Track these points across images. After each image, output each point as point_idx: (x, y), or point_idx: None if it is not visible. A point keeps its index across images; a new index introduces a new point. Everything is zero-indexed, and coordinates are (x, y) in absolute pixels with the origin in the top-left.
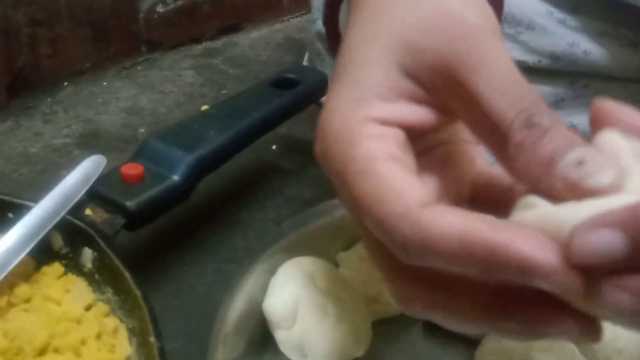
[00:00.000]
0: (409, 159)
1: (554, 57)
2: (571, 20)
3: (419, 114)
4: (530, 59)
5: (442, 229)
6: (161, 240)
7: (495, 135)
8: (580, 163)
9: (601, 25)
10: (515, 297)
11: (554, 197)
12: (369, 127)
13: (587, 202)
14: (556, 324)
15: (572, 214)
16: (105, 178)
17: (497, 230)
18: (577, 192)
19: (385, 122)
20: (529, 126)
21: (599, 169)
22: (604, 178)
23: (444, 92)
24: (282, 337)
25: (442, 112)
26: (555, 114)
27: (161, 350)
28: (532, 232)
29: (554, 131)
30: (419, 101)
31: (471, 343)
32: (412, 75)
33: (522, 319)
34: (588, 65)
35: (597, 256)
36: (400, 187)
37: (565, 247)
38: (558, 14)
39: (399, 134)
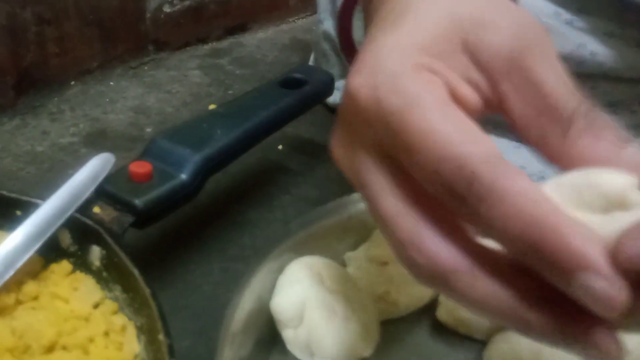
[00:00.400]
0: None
1: (562, 58)
2: (578, 21)
3: (466, 89)
4: None
5: (519, 188)
6: (168, 239)
7: (550, 121)
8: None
9: (608, 26)
10: (548, 296)
11: None
12: (427, 74)
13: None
14: (583, 336)
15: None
16: (114, 176)
17: (562, 217)
18: None
19: (437, 75)
20: (592, 117)
21: None
22: None
23: (502, 74)
24: (290, 336)
25: (483, 99)
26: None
27: (170, 348)
28: (588, 231)
29: (614, 127)
30: (468, 80)
31: (480, 343)
32: (471, 50)
33: (548, 319)
34: (595, 67)
35: None
36: (480, 134)
37: (613, 252)
38: (565, 14)
39: (444, 85)
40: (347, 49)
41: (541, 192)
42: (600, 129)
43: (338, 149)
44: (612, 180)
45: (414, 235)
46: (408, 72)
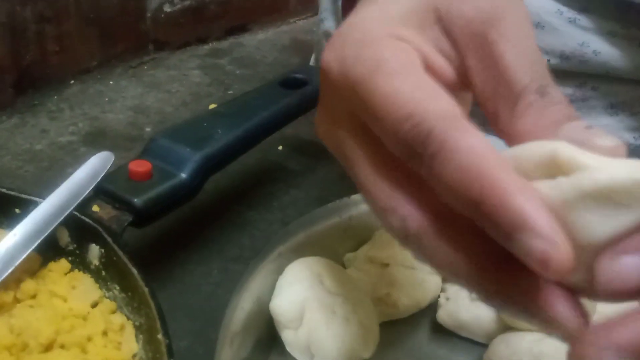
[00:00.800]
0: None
1: (564, 56)
2: (581, 20)
3: (439, 59)
4: None
5: (467, 143)
6: (167, 239)
7: (503, 95)
8: (587, 127)
9: (611, 25)
10: (503, 260)
11: None
12: (396, 41)
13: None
14: (535, 302)
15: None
16: (113, 175)
17: (505, 173)
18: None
19: (409, 44)
20: (542, 93)
21: (604, 134)
22: (609, 141)
23: (467, 45)
24: (289, 337)
25: (456, 72)
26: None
27: (169, 348)
28: (531, 190)
29: (565, 105)
30: (440, 51)
31: (480, 346)
32: (443, 21)
33: (503, 285)
34: (598, 66)
35: (627, 282)
36: (439, 92)
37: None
38: (568, 13)
39: (421, 58)
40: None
41: (489, 147)
42: (547, 106)
43: (321, 125)
44: (540, 147)
45: (388, 203)
46: (375, 40)
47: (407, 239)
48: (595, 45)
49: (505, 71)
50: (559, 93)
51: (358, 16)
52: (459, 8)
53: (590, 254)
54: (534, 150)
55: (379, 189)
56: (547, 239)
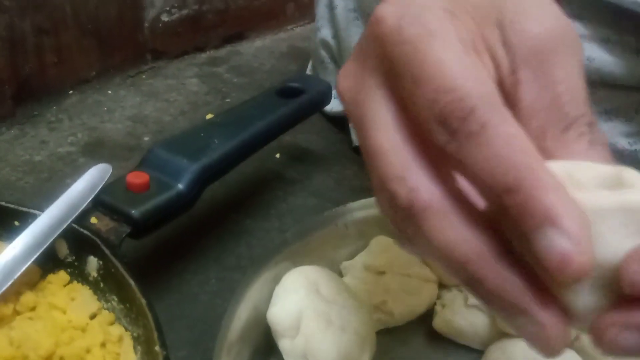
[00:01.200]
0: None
1: None
2: (577, 26)
3: (487, 60)
4: None
5: (511, 129)
6: (164, 249)
7: (553, 117)
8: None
9: (605, 32)
10: (508, 259)
11: None
12: (460, 21)
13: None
14: (531, 308)
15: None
16: (111, 187)
17: (545, 171)
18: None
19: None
20: (592, 130)
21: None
22: None
23: (524, 61)
24: (286, 346)
25: (499, 77)
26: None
27: (166, 359)
28: (567, 192)
29: (606, 146)
30: (490, 50)
31: (476, 353)
32: (504, 29)
33: (502, 282)
34: (592, 72)
35: None
36: (487, 77)
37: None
38: None
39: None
40: None
41: (533, 146)
42: (596, 141)
43: (345, 79)
44: (604, 165)
45: (401, 169)
46: (437, 11)
47: (409, 212)
48: (589, 51)
49: (561, 96)
50: (603, 134)
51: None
52: (523, 22)
53: (602, 271)
54: (596, 165)
55: (395, 153)
56: (574, 239)
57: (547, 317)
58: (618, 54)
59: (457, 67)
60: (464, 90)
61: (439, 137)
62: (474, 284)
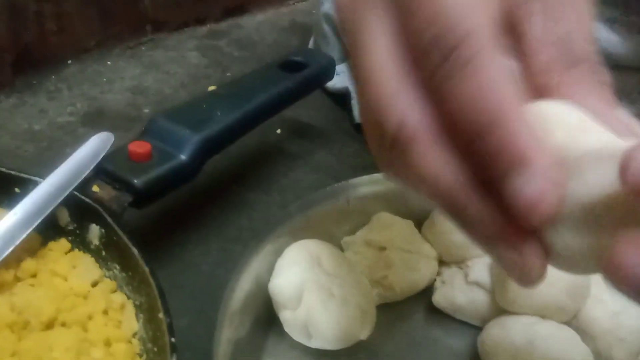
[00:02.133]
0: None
1: None
2: None
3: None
4: None
5: (497, 66)
6: (166, 220)
7: (558, 51)
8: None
9: (612, 12)
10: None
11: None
12: None
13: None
14: (510, 238)
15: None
16: (113, 155)
17: (522, 114)
18: None
19: None
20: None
21: None
22: None
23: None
24: (288, 317)
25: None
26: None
27: (170, 326)
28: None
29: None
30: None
31: (474, 329)
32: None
33: (483, 212)
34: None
35: None
36: (489, 10)
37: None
38: None
39: None
40: None
41: (515, 84)
42: (602, 83)
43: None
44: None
45: (391, 91)
46: None
47: (396, 137)
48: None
49: (571, 33)
50: (609, 76)
51: None
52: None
53: (584, 210)
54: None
55: (388, 76)
56: (542, 182)
57: (526, 247)
58: (624, 34)
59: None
60: (459, 18)
61: (429, 64)
62: (456, 213)
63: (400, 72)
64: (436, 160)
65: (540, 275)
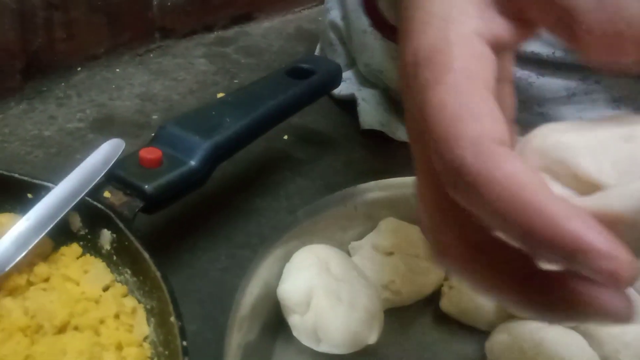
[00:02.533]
0: (496, 90)
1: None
2: None
3: (505, 27)
4: (544, 50)
5: (504, 172)
6: (175, 226)
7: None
8: None
9: None
10: (555, 275)
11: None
12: (472, 45)
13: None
14: (596, 303)
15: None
16: (124, 162)
17: (549, 199)
18: None
19: (483, 36)
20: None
21: None
22: None
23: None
24: (296, 322)
25: (518, 26)
26: None
27: (182, 330)
28: (578, 209)
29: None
30: (501, 11)
31: (482, 333)
32: None
33: (560, 297)
34: None
35: None
36: (485, 113)
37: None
38: None
39: (494, 60)
40: (378, 24)
41: (528, 172)
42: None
43: (407, 121)
44: (587, 166)
45: (432, 222)
46: (451, 44)
47: (443, 263)
48: None
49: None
50: None
51: (428, 11)
52: None
53: None
54: (573, 163)
55: (427, 203)
56: (611, 258)
57: (602, 300)
58: None
59: (451, 111)
60: (453, 139)
61: (447, 188)
62: (529, 309)
63: (435, 197)
64: (485, 278)
65: (629, 308)
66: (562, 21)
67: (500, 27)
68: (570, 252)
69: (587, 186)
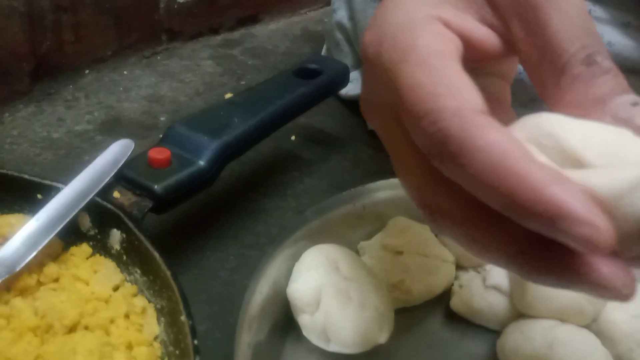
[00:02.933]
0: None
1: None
2: (597, 11)
3: (482, 32)
4: None
5: (486, 140)
6: (184, 226)
7: (549, 65)
8: (634, 104)
9: (625, 17)
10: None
11: None
12: (434, 25)
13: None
14: (594, 275)
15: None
16: (133, 162)
17: (532, 165)
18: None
19: (449, 26)
20: (589, 63)
21: None
22: None
23: (511, 13)
24: (306, 322)
25: (501, 40)
26: (614, 63)
27: (192, 329)
28: (560, 175)
29: (613, 74)
30: (483, 20)
31: (493, 333)
32: None
33: (557, 264)
34: (612, 56)
35: None
36: (461, 86)
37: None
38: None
39: (459, 44)
40: None
41: (511, 140)
42: (594, 77)
43: (364, 103)
44: (575, 142)
45: (418, 195)
46: (414, 23)
47: (440, 229)
48: (609, 36)
49: (551, 39)
50: (607, 60)
51: None
52: None
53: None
54: (558, 136)
55: (410, 179)
56: (589, 224)
57: (606, 270)
58: (637, 39)
59: (428, 87)
60: (434, 111)
61: (433, 161)
62: (524, 273)
63: (420, 170)
64: (480, 240)
65: (628, 282)
66: (544, 57)
67: (469, 24)
68: (550, 218)
69: (572, 162)
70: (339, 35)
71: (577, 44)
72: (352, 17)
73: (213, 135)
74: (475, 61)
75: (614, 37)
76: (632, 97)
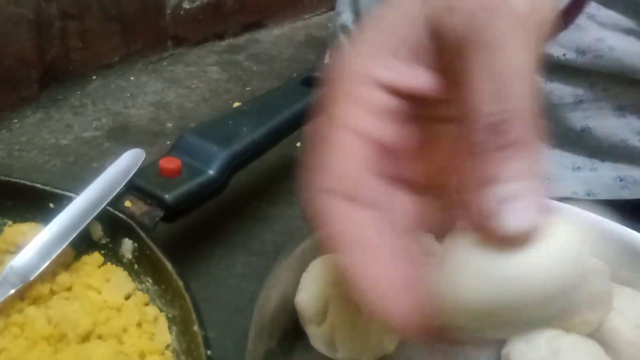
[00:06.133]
0: (380, 132)
1: (580, 51)
2: (599, 16)
3: (424, 79)
4: (555, 51)
5: (330, 230)
6: (191, 235)
7: (467, 121)
8: (501, 201)
9: (628, 22)
10: None
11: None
12: (361, 88)
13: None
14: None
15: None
16: (144, 171)
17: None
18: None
19: (379, 81)
20: (495, 131)
21: (517, 214)
22: (512, 223)
23: (447, 61)
24: (314, 332)
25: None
26: (535, 134)
27: (205, 339)
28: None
29: (515, 149)
30: (430, 63)
31: (497, 341)
32: (435, 32)
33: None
34: (612, 62)
35: None
36: (335, 164)
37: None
38: (588, 8)
39: (388, 104)
40: None
41: (351, 231)
42: (491, 152)
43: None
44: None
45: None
46: (338, 96)
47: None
48: (611, 41)
49: (467, 95)
50: (520, 130)
51: (359, 41)
52: (446, 18)
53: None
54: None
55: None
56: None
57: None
58: (638, 45)
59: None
60: (310, 181)
61: None
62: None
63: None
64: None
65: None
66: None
67: (403, 73)
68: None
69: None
70: (343, 39)
71: (491, 105)
72: (357, 20)
73: (222, 144)
74: (422, 107)
75: (616, 42)
76: (509, 188)
